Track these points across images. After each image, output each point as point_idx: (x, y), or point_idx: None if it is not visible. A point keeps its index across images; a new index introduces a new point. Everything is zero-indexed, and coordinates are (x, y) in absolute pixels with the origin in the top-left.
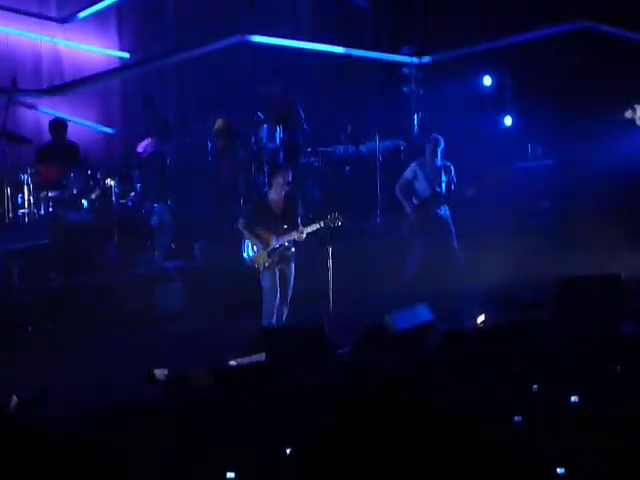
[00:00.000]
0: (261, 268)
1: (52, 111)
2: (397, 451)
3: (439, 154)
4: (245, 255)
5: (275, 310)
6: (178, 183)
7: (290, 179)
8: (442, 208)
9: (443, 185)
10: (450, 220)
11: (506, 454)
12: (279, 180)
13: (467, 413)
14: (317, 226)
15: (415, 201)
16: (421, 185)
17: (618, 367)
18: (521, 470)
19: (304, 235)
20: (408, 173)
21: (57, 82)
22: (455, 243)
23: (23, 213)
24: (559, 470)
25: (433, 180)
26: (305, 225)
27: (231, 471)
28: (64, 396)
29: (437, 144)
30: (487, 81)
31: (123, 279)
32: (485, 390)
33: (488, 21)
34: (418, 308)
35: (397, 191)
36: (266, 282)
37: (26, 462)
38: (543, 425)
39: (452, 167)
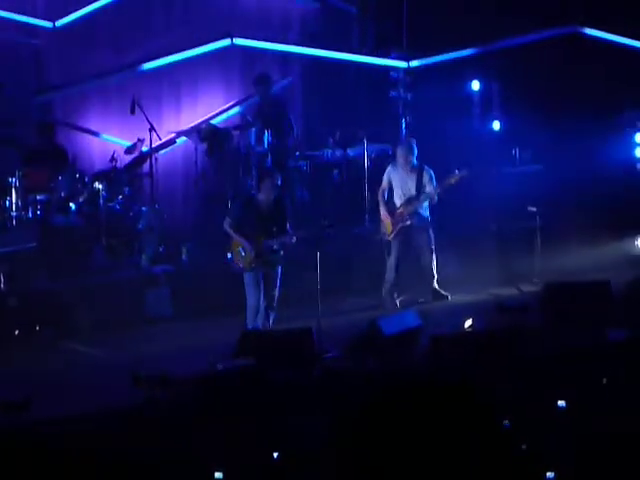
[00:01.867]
0: (246, 269)
1: (41, 114)
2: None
3: (412, 158)
4: (230, 256)
5: (259, 313)
6: (166, 186)
7: (279, 183)
8: (414, 214)
9: (413, 190)
10: (426, 225)
11: (495, 458)
12: (267, 184)
13: (455, 417)
14: (308, 233)
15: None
16: (395, 190)
17: (604, 379)
18: (511, 474)
19: (294, 240)
20: (385, 177)
21: (45, 85)
22: (430, 249)
23: (11, 216)
24: (549, 474)
25: (405, 185)
26: (296, 230)
27: (219, 472)
28: (50, 399)
29: (410, 148)
30: (475, 85)
31: (111, 282)
32: (472, 394)
33: (476, 25)
34: (406, 313)
35: (379, 196)
36: (249, 283)
37: (13, 464)
38: (531, 429)
39: (430, 171)
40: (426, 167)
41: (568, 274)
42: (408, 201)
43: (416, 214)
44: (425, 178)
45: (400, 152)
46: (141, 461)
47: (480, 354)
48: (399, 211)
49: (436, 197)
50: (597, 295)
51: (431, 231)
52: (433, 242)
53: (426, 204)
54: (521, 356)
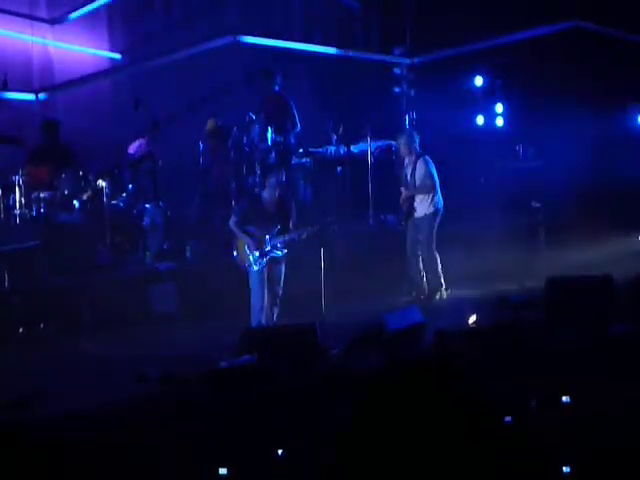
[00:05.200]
0: (251, 267)
1: (44, 112)
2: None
3: (411, 147)
4: (236, 254)
5: (263, 309)
6: (170, 184)
7: (283, 179)
8: (413, 207)
9: (409, 179)
10: (421, 219)
11: (505, 453)
12: (272, 181)
13: (460, 413)
14: (311, 230)
15: None
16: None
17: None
18: (523, 469)
19: (298, 237)
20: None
21: (48, 83)
22: (421, 244)
23: (14, 214)
24: (565, 469)
25: (405, 178)
26: (299, 228)
27: (223, 468)
28: (54, 396)
29: (408, 137)
30: (478, 81)
31: (115, 280)
32: (476, 390)
33: (479, 21)
34: (410, 309)
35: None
36: (254, 281)
37: (16, 461)
38: (536, 425)
39: (426, 162)
40: (425, 157)
41: (571, 269)
42: (406, 195)
43: (413, 208)
44: (420, 168)
45: (399, 141)
46: (145, 458)
47: (484, 349)
48: (402, 204)
49: (431, 192)
50: (599, 290)
51: (426, 227)
52: (427, 237)
53: (422, 197)
54: (525, 351)
